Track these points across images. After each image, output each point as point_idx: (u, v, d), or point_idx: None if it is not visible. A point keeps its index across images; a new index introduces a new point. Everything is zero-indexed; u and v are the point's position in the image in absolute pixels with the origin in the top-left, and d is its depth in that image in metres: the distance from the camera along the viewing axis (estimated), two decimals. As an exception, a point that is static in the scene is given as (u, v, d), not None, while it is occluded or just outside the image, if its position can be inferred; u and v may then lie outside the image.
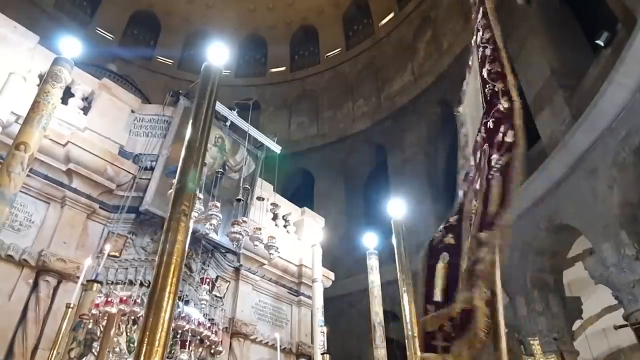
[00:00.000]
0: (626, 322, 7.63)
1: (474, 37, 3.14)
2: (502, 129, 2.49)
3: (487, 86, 2.73)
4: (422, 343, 2.38)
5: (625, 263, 7.57)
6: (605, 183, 8.15)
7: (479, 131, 2.70)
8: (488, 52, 2.88)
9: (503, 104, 2.55)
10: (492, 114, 2.60)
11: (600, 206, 8.22)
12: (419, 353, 3.51)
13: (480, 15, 3.00)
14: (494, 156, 2.43)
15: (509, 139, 2.45)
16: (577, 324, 10.96)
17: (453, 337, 2.27)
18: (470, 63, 2.93)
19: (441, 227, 2.69)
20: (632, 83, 7.65)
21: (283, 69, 20.89)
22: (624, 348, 14.61)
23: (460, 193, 2.78)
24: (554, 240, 9.96)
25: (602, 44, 9.08)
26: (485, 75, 2.78)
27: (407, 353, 3.62)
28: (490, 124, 2.60)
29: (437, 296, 2.43)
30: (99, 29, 18.45)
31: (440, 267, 2.52)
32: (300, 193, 16.92)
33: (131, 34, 19.78)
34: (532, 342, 7.44)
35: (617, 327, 8.09)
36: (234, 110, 8.17)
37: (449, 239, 2.59)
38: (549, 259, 10.12)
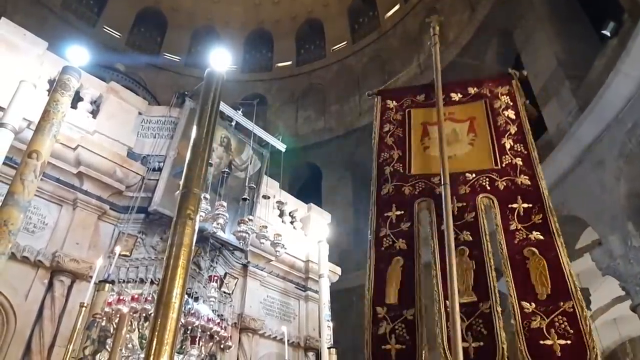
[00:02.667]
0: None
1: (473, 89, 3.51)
2: (520, 200, 2.87)
3: (506, 156, 3.19)
4: (372, 347, 2.38)
5: (632, 254, 7.56)
6: (612, 174, 8.12)
7: (476, 174, 2.99)
8: (512, 130, 3.34)
9: (522, 180, 2.97)
10: (507, 177, 3.03)
11: (607, 197, 8.20)
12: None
13: (504, 90, 3.43)
14: (512, 224, 2.88)
15: (537, 220, 2.84)
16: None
17: (407, 339, 2.33)
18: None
19: (387, 231, 2.75)
20: (639, 74, 7.60)
21: (289, 63, 20.89)
22: (635, 338, 14.57)
23: (390, 189, 2.96)
24: (562, 232, 9.92)
25: (608, 34, 9.00)
26: (507, 146, 3.20)
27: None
28: (501, 186, 2.95)
29: (390, 298, 2.46)
30: (106, 27, 18.59)
31: (392, 271, 2.57)
32: (308, 187, 17.01)
33: (138, 32, 19.90)
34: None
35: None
36: (240, 109, 8.25)
37: (401, 244, 2.69)
38: (557, 250, 10.09)
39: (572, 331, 2.42)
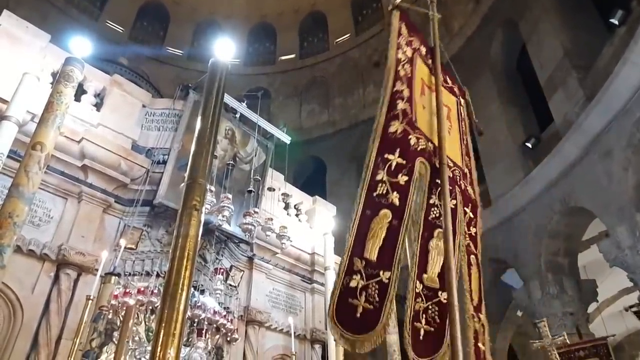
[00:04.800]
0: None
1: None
2: (467, 210, 3.05)
3: (465, 159, 3.34)
4: (338, 297, 2.19)
5: (640, 245, 7.51)
6: (620, 165, 8.04)
7: (454, 165, 3.08)
8: (467, 140, 3.51)
9: (469, 190, 3.19)
10: (465, 183, 3.19)
11: (614, 188, 8.13)
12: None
13: (463, 103, 3.49)
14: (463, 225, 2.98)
15: (473, 231, 3.08)
16: (593, 306, 10.92)
17: (377, 301, 2.19)
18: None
19: (385, 177, 2.51)
20: (648, 62, 7.50)
21: (292, 56, 20.78)
22: (641, 329, 14.54)
23: (398, 129, 2.75)
24: (569, 223, 9.89)
25: (616, 22, 8.87)
26: (464, 152, 3.41)
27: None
28: (463, 188, 3.10)
29: (369, 252, 2.28)
30: (109, 22, 18.54)
31: (378, 223, 2.37)
32: (313, 180, 16.98)
33: (141, 26, 19.84)
34: (541, 324, 7.44)
35: (627, 309, 8.05)
36: (244, 101, 8.21)
37: (394, 198, 2.44)
38: (564, 241, 10.05)
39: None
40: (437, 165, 2.71)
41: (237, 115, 8.10)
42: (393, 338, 5.14)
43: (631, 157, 7.82)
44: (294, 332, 7.39)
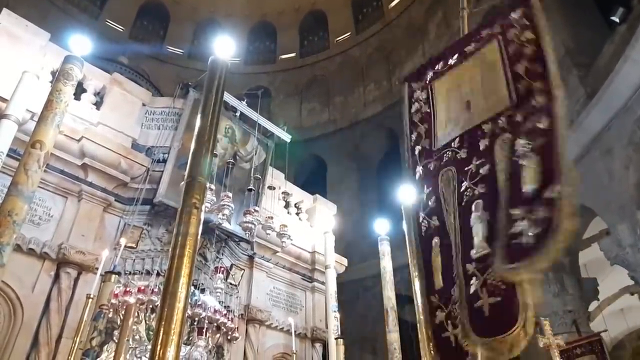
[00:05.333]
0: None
1: (489, 30, 3.21)
2: (534, 118, 2.51)
3: (522, 82, 2.77)
4: (434, 340, 2.26)
5: (641, 243, 7.49)
6: (621, 163, 8.02)
7: (492, 121, 2.75)
8: (528, 51, 2.94)
9: (538, 100, 2.61)
10: (524, 108, 2.65)
11: (615, 186, 8.11)
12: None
13: (518, 15, 3.07)
14: (521, 142, 2.45)
15: (542, 125, 2.46)
16: (594, 304, 10.91)
17: (460, 319, 2.21)
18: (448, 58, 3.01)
19: (421, 214, 2.65)
20: (649, 60, 7.47)
21: (293, 55, 20.77)
22: (643, 328, 14.52)
23: (420, 171, 2.81)
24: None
25: (617, 20, 8.84)
26: (522, 72, 2.83)
27: (419, 336, 3.68)
28: (519, 117, 2.63)
29: (438, 284, 2.37)
30: (109, 21, 18.54)
31: (435, 255, 2.46)
32: (313, 179, 16.98)
33: (141, 25, 19.85)
34: (543, 322, 7.44)
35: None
36: (244, 100, 8.20)
37: (434, 222, 2.56)
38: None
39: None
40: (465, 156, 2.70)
41: (237, 114, 8.09)
42: (394, 336, 5.13)
43: (632, 155, 7.80)
44: (295, 331, 7.39)
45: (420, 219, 2.65)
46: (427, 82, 3.18)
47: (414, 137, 3.01)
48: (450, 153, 2.76)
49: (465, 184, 2.61)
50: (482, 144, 2.65)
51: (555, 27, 10.63)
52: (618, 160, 8.09)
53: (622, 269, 8.20)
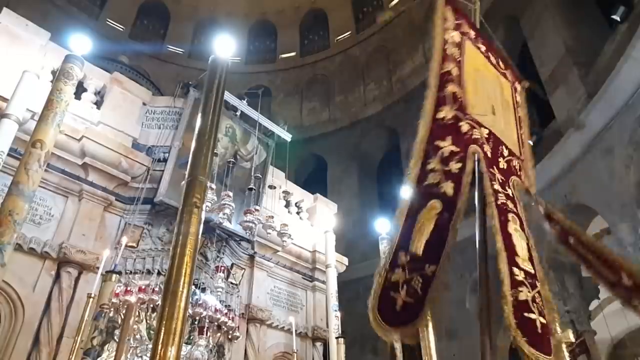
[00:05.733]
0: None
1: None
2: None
3: (522, 149, 2.90)
4: (380, 291, 2.11)
5: (642, 242, 7.49)
6: (622, 162, 8.01)
7: (511, 155, 2.74)
8: (525, 129, 3.08)
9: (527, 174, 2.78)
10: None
11: (616, 185, 8.10)
12: (431, 336, 3.51)
13: (523, 95, 3.11)
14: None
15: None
16: (594, 303, 10.89)
17: (419, 296, 2.06)
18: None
19: (437, 165, 2.30)
20: (650, 59, 7.46)
21: (293, 54, 20.74)
22: (643, 327, 14.50)
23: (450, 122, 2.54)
24: (570, 220, 9.85)
25: (618, 19, 8.84)
26: (521, 141, 2.94)
27: (420, 335, 3.69)
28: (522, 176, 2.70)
29: (415, 247, 2.11)
30: (109, 20, 18.53)
31: (425, 215, 2.18)
32: (314, 178, 16.98)
33: (141, 25, 19.83)
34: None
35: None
36: (244, 99, 8.20)
37: (447, 187, 2.24)
38: (565, 239, 10.01)
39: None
40: (490, 155, 2.52)
41: (238, 113, 8.09)
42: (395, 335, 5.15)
43: (633, 153, 7.79)
44: (295, 330, 7.39)
45: (431, 166, 2.33)
46: (462, 32, 2.96)
47: (446, 67, 2.62)
48: (479, 133, 2.52)
49: (496, 185, 2.46)
50: (502, 163, 2.56)
51: (556, 25, 10.63)
52: (619, 159, 8.08)
53: (623, 267, 8.19)
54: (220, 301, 6.09)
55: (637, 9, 8.41)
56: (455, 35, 2.86)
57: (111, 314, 4.62)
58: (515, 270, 2.22)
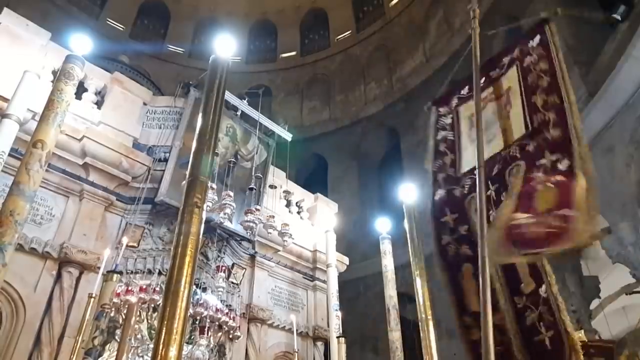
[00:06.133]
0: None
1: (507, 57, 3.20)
2: (548, 154, 2.56)
3: (538, 114, 2.78)
4: (472, 356, 2.30)
5: (643, 242, 7.48)
6: (623, 161, 8.00)
7: (507, 148, 2.77)
8: (544, 83, 2.92)
9: (552, 133, 2.63)
10: (537, 139, 2.69)
11: (617, 185, 8.09)
12: (432, 335, 3.53)
13: (535, 43, 3.07)
14: (536, 174, 2.50)
15: (562, 166, 2.50)
16: (595, 302, 10.89)
17: (500, 343, 2.25)
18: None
19: (449, 238, 2.64)
20: (650, 57, 7.46)
21: (293, 53, 20.74)
22: (644, 326, 14.49)
23: (442, 194, 2.82)
24: (570, 220, 9.84)
25: (619, 17, 8.82)
26: (540, 102, 2.82)
27: (421, 335, 3.68)
28: (532, 148, 2.67)
29: (474, 305, 2.36)
30: (110, 20, 18.53)
31: (468, 280, 2.48)
32: (314, 178, 16.97)
33: (141, 24, 19.84)
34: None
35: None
36: (244, 99, 8.20)
37: (465, 250, 2.58)
38: (566, 238, 10.01)
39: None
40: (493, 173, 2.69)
41: (238, 113, 8.09)
42: (395, 335, 5.13)
43: (634, 153, 7.78)
44: (296, 330, 7.40)
45: (444, 242, 2.66)
46: (453, 107, 3.18)
47: (438, 164, 3.01)
48: (472, 179, 2.76)
49: (492, 213, 2.55)
50: (495, 169, 2.66)
51: (557, 24, 10.61)
52: (620, 158, 8.07)
53: (623, 267, 8.19)
54: (221, 301, 6.10)
55: (637, 9, 8.39)
56: (448, 119, 3.19)
57: (112, 314, 4.63)
58: (517, 299, 2.42)
